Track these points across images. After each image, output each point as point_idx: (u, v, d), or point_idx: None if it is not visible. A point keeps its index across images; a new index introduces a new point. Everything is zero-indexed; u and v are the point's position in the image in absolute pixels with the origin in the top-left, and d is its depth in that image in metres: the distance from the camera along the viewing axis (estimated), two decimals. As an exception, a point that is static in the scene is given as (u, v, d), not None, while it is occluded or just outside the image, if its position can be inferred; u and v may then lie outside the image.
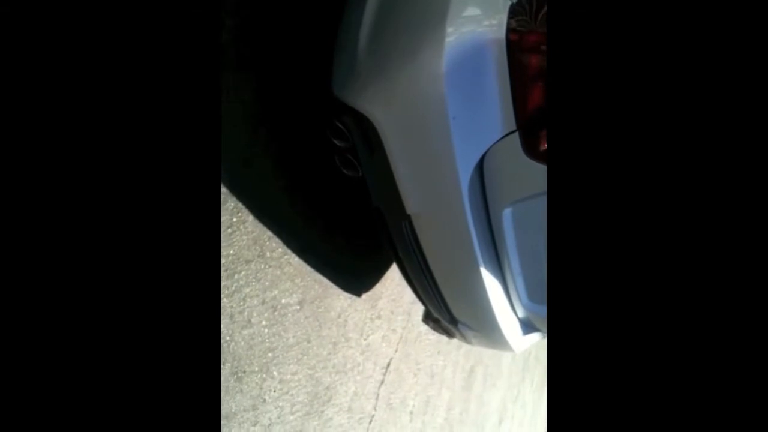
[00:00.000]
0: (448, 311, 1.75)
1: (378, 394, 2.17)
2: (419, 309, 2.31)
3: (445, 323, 1.91)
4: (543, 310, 1.66)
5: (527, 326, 1.79)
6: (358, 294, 1.96)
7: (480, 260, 1.41)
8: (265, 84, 1.41)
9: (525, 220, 1.33)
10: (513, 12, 1.05)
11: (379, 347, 2.14)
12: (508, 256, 1.43)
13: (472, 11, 1.08)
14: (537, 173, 1.17)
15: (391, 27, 1.16)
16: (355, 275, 1.93)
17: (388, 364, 2.22)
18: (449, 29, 1.07)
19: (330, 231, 1.76)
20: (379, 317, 2.11)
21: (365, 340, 2.04)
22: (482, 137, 1.16)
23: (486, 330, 1.76)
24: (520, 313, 1.71)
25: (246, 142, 1.38)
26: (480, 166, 1.21)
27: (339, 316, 1.85)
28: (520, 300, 1.63)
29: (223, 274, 1.36)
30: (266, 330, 1.52)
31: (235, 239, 1.38)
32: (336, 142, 1.31)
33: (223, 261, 1.35)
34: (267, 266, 1.49)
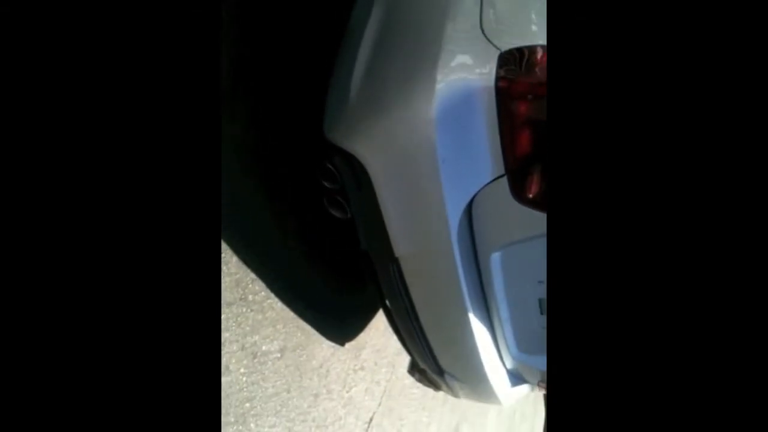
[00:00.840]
0: (434, 361, 1.69)
1: (359, 452, 2.06)
2: (404, 360, 2.24)
3: (431, 374, 1.85)
4: (532, 360, 1.62)
5: (515, 378, 1.75)
6: (342, 343, 1.90)
7: (468, 306, 1.39)
8: (258, 124, 1.42)
9: (513, 265, 1.32)
10: (502, 61, 1.09)
11: (361, 400, 2.05)
12: (497, 302, 1.41)
13: (462, 59, 1.12)
14: (525, 217, 1.18)
15: (383, 72, 1.19)
16: (339, 323, 1.88)
17: (371, 419, 2.13)
18: (439, 77, 1.10)
19: (316, 276, 1.73)
20: (362, 368, 2.04)
21: (347, 392, 1.96)
22: (471, 181, 1.17)
23: (473, 381, 1.70)
24: (509, 364, 1.67)
25: (234, 180, 1.37)
26: (469, 210, 1.21)
27: (321, 366, 1.78)
28: (509, 350, 1.59)
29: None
30: (245, 378, 1.45)
31: (217, 281, 1.34)
32: (325, 183, 1.31)
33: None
34: (249, 310, 1.44)
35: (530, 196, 1.15)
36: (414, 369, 2.02)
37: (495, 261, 1.31)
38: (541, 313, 1.46)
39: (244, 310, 1.43)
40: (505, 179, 1.15)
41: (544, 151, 1.11)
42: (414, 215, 1.23)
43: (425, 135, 1.12)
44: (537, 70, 1.07)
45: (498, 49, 1.09)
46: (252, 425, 1.47)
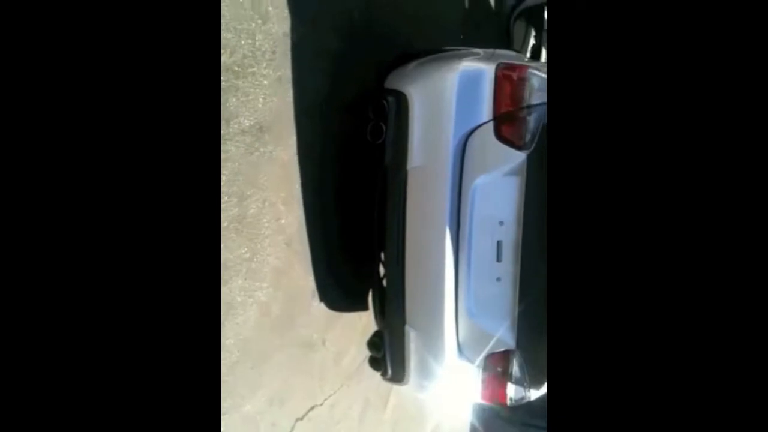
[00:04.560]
0: (402, 307, 2.02)
1: None
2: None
3: (389, 336, 2.11)
4: (482, 322, 1.98)
5: (462, 352, 2.05)
6: (320, 298, 2.19)
7: (446, 230, 1.89)
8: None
9: (484, 199, 1.90)
10: (499, 66, 1.92)
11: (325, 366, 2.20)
12: (466, 233, 1.91)
13: (477, 60, 1.95)
14: (500, 151, 1.84)
15: (432, 62, 2.02)
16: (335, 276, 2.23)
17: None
18: (463, 63, 1.92)
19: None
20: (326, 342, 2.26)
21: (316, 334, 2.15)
22: (471, 119, 1.86)
23: (430, 330, 2.00)
24: (462, 331, 2.01)
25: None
26: (465, 141, 1.87)
27: (309, 294, 2.07)
28: (465, 303, 1.98)
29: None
30: (266, 227, 1.80)
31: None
32: (372, 116, 1.98)
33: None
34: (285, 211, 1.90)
35: (505, 136, 1.84)
36: (373, 342, 2.24)
37: (474, 190, 1.89)
38: (497, 260, 1.94)
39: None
40: (491, 123, 1.85)
41: (516, 109, 1.85)
42: (429, 135, 1.88)
43: (452, 85, 1.87)
44: (518, 72, 1.90)
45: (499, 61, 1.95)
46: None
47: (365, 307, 2.50)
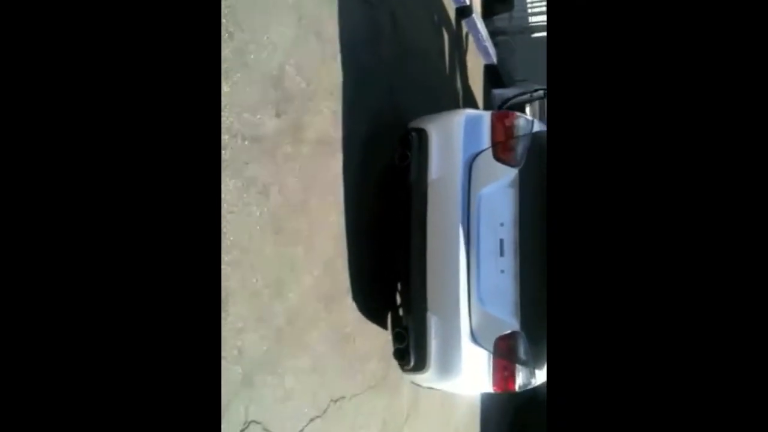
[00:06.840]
0: (425, 291, 2.47)
1: None
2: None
3: (413, 324, 2.51)
4: (492, 310, 2.42)
5: (475, 338, 2.45)
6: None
7: (460, 231, 2.44)
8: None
9: (488, 205, 2.48)
10: (493, 113, 2.63)
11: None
12: (476, 233, 2.45)
13: (476, 110, 2.67)
14: (497, 169, 2.47)
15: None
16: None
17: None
18: (467, 110, 2.64)
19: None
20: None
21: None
22: (475, 146, 2.52)
23: (448, 311, 2.43)
24: (474, 317, 2.45)
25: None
26: (471, 163, 2.50)
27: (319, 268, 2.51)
28: (476, 294, 2.45)
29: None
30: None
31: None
32: (399, 147, 2.64)
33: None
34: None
35: (501, 157, 2.48)
36: (398, 334, 2.61)
37: (479, 198, 2.47)
38: (500, 255, 2.45)
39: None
40: (490, 149, 2.51)
41: (508, 139, 2.51)
42: (444, 158, 2.51)
43: (459, 124, 2.56)
44: (508, 116, 2.61)
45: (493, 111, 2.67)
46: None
47: (384, 326, 2.89)
